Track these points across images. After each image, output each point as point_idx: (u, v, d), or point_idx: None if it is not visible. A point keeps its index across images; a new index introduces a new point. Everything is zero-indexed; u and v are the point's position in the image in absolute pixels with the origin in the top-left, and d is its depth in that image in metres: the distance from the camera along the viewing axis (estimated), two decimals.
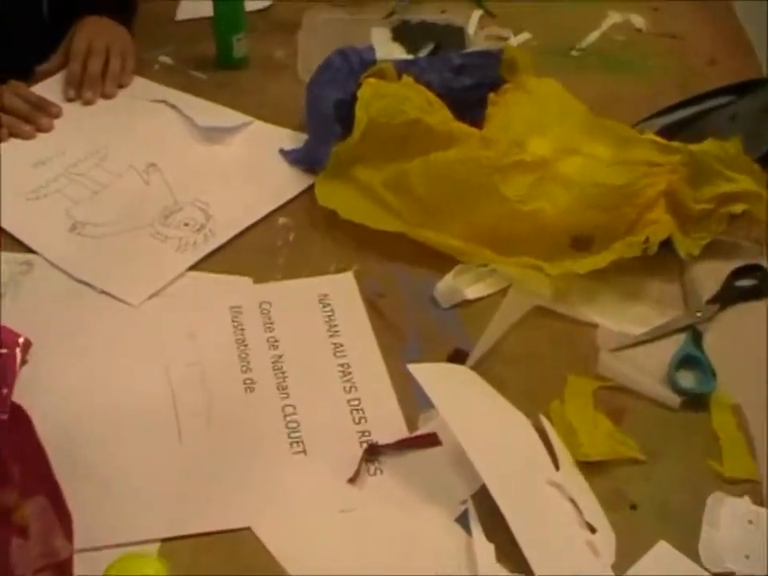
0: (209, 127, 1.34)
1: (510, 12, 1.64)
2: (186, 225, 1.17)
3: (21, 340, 0.87)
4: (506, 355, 1.05)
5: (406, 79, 1.23)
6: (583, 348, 1.06)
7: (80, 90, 1.39)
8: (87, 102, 1.39)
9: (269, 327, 1.05)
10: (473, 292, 1.11)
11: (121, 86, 1.42)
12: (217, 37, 1.47)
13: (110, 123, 1.36)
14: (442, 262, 1.13)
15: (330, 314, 1.07)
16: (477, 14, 1.62)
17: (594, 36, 1.60)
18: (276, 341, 1.04)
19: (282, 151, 1.29)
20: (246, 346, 1.03)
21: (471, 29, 1.57)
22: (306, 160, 1.27)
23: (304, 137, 1.32)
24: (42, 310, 1.08)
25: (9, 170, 1.25)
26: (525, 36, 1.58)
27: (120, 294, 1.08)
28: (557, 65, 1.48)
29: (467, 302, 1.11)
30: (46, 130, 1.33)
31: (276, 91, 1.45)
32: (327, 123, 1.22)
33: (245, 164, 1.30)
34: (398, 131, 1.18)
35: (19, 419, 0.79)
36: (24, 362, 0.89)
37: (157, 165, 1.27)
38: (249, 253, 1.16)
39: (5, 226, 1.18)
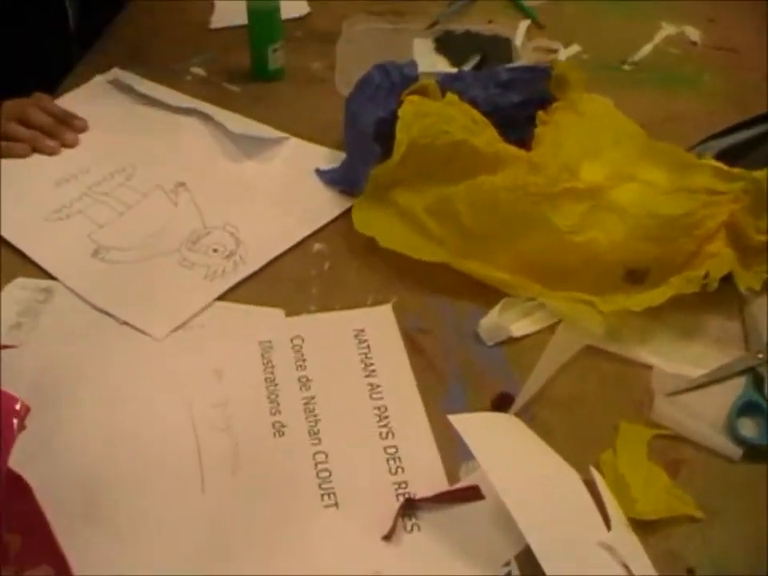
0: (242, 134, 1.28)
1: (559, 23, 1.57)
2: (214, 251, 1.10)
3: (17, 406, 0.81)
4: (554, 399, 0.97)
5: (450, 96, 1.16)
6: (637, 391, 0.99)
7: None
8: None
9: (300, 365, 0.98)
10: (519, 329, 1.04)
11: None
12: (251, 47, 1.41)
13: (139, 138, 1.30)
14: (487, 295, 1.06)
15: (366, 350, 0.99)
16: (524, 24, 1.54)
17: (646, 49, 1.53)
18: (308, 380, 0.97)
19: (317, 171, 1.23)
20: (275, 385, 0.96)
21: (519, 40, 1.50)
22: (343, 181, 1.20)
23: (342, 155, 1.25)
24: (61, 342, 1.02)
25: (30, 188, 1.20)
26: (575, 48, 1.51)
27: (143, 326, 1.02)
28: (608, 80, 1.41)
29: (513, 340, 1.03)
30: (71, 145, 1.27)
31: (312, 105, 1.39)
32: (366, 143, 1.15)
33: (278, 184, 1.24)
34: (442, 153, 1.11)
35: (18, 489, 0.72)
36: (22, 427, 0.83)
37: (186, 184, 1.21)
38: (280, 282, 1.10)
39: (24, 248, 1.12)
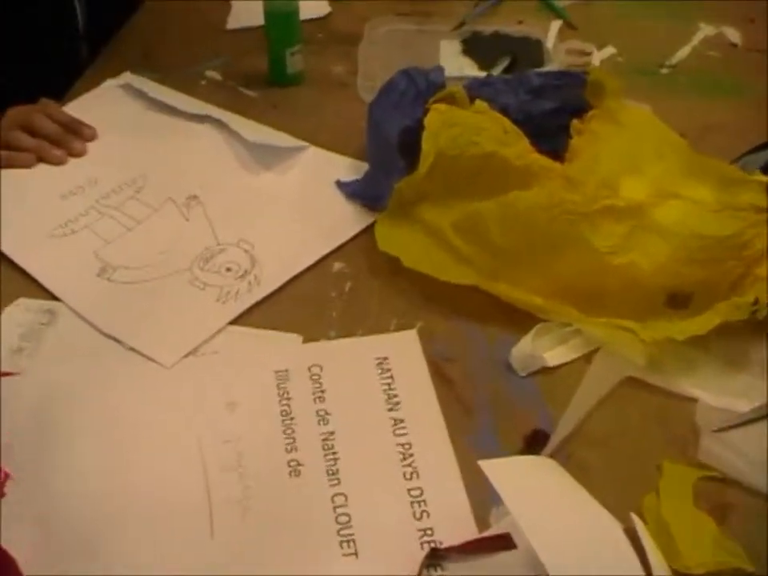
0: (258, 144, 1.21)
1: (592, 23, 1.50)
2: (228, 270, 1.03)
3: None
4: (591, 436, 0.90)
5: (480, 104, 1.09)
6: (680, 427, 0.91)
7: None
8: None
9: (319, 397, 0.91)
10: (554, 358, 0.97)
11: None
12: (269, 50, 1.34)
13: (150, 146, 1.24)
14: (519, 319, 0.99)
15: (389, 381, 0.93)
16: (556, 25, 1.47)
17: (684, 52, 1.46)
18: (327, 414, 0.90)
19: (338, 183, 1.16)
20: (291, 419, 0.90)
21: (550, 42, 1.42)
22: (365, 194, 1.13)
23: (364, 166, 1.17)
24: (64, 369, 0.95)
25: (34, 201, 1.14)
26: (609, 51, 1.44)
27: (151, 353, 0.96)
28: (644, 85, 1.34)
29: (547, 369, 0.96)
30: (79, 154, 1.20)
31: (333, 112, 1.33)
32: (390, 154, 1.08)
33: (296, 197, 1.17)
34: (471, 165, 1.04)
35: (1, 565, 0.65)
36: (1, 494, 0.77)
37: (198, 197, 1.14)
38: (298, 304, 1.03)
39: (26, 266, 1.06)
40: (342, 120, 1.30)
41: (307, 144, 1.23)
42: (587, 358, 0.97)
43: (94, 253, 1.08)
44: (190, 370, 0.95)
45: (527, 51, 1.41)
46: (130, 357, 0.97)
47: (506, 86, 1.17)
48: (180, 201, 1.14)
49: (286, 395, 0.92)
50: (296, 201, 1.16)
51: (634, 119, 1.08)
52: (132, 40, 1.49)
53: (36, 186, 1.17)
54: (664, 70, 1.41)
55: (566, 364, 0.97)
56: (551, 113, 1.16)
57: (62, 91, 1.31)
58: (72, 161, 1.22)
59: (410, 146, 1.08)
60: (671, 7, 1.56)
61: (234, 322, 1.00)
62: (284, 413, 0.91)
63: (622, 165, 1.01)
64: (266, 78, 1.38)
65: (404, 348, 0.98)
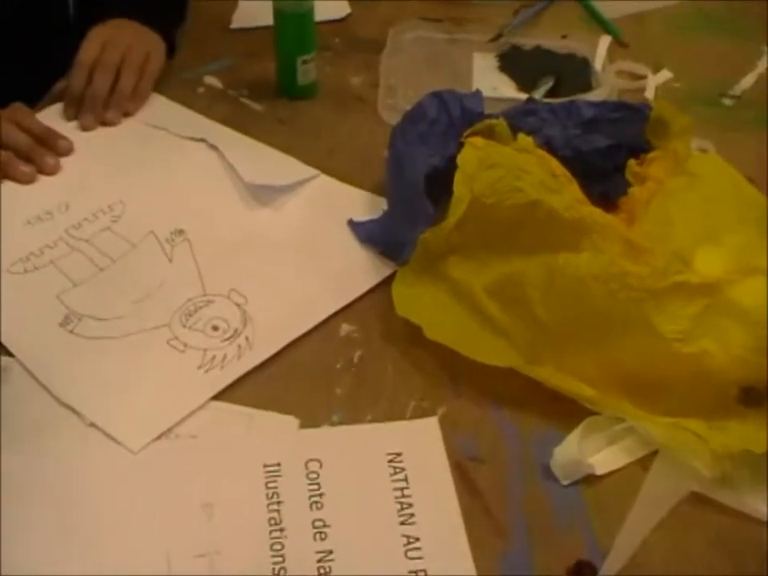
0: (259, 185, 1.01)
1: (644, 41, 1.35)
2: (214, 328, 0.86)
3: None
4: (649, 567, 0.73)
5: (524, 140, 0.92)
6: (754, 558, 0.74)
7: (79, 111, 1.09)
8: (85, 128, 1.11)
9: (316, 503, 0.75)
10: (603, 463, 0.80)
11: (126, 114, 1.11)
12: (277, 57, 1.17)
13: (133, 167, 1.06)
14: (564, 410, 0.82)
15: (402, 485, 0.76)
16: (605, 41, 1.30)
17: (749, 80, 1.29)
18: (325, 525, 0.73)
19: (351, 224, 0.97)
20: (281, 530, 0.73)
21: (599, 61, 1.25)
22: (383, 241, 0.96)
23: (382, 202, 0.98)
24: (12, 443, 0.79)
25: None
26: (665, 75, 1.27)
27: (115, 433, 0.79)
28: (705, 117, 1.16)
29: (595, 477, 0.79)
30: (50, 172, 1.03)
31: (349, 132, 1.16)
32: (415, 197, 0.91)
33: (300, 238, 1.00)
34: (511, 216, 0.87)
35: None
36: None
37: (185, 233, 0.97)
38: (295, 376, 0.87)
39: None
40: (358, 142, 1.14)
41: (316, 172, 1.04)
42: (643, 463, 0.80)
43: (57, 296, 0.91)
44: (160, 457, 0.79)
45: (573, 71, 1.25)
46: (90, 434, 0.80)
47: (552, 115, 1.01)
48: (163, 236, 0.97)
49: (276, 498, 0.75)
50: (299, 242, 0.99)
51: (706, 169, 0.91)
52: None
53: None
54: (727, 101, 1.24)
55: (618, 471, 0.80)
56: (604, 151, 1.00)
57: (51, 85, 1.13)
58: (42, 180, 1.04)
59: (438, 187, 0.91)
60: (734, 24, 1.40)
61: (217, 396, 0.81)
62: (273, 521, 0.74)
63: (696, 230, 0.84)
64: (274, 89, 1.21)
65: (422, 441, 0.81)
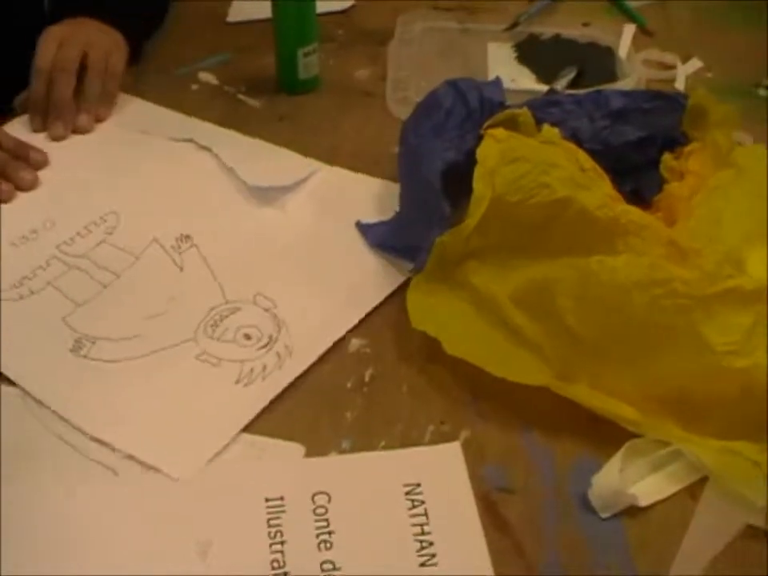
0: (259, 187, 0.94)
1: (671, 29, 1.27)
2: (246, 337, 0.77)
3: None
4: None
5: (549, 131, 0.83)
6: None
7: (47, 120, 1.01)
8: (55, 138, 1.02)
9: (325, 542, 0.66)
10: (647, 493, 0.71)
11: (98, 119, 1.03)
12: (277, 49, 1.08)
13: (119, 174, 0.98)
14: (602, 432, 0.73)
15: (422, 520, 0.68)
16: (629, 29, 1.20)
17: None
18: (335, 569, 0.65)
19: (360, 226, 0.88)
20: (285, 574, 0.63)
21: (623, 50, 1.16)
22: (394, 245, 0.86)
23: (396, 189, 0.91)
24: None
25: None
26: (695, 64, 1.18)
27: (159, 464, 0.71)
28: (740, 109, 1.04)
29: (638, 510, 0.70)
30: (28, 187, 0.95)
31: (355, 128, 1.07)
32: (430, 196, 0.82)
33: (306, 238, 0.92)
34: (537, 216, 0.78)
35: None
36: None
37: (192, 238, 0.87)
38: (300, 399, 0.77)
39: None
40: (365, 138, 1.05)
41: (319, 165, 0.99)
42: (691, 491, 0.71)
43: (62, 320, 0.82)
44: (151, 492, 0.69)
45: (596, 61, 1.16)
46: (79, 466, 0.72)
47: (577, 106, 0.92)
48: (168, 243, 0.88)
49: (279, 537, 0.66)
50: (307, 243, 0.91)
51: (753, 161, 0.82)
52: None
53: None
54: (762, 92, 1.14)
55: (663, 501, 0.71)
56: (636, 144, 0.91)
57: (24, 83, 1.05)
58: (21, 196, 0.96)
59: (456, 185, 0.82)
60: (763, 11, 1.27)
61: None
62: (275, 564, 0.65)
63: (747, 230, 0.75)
64: (273, 84, 1.12)
65: (443, 470, 0.72)
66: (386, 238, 0.88)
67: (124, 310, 0.83)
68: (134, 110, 1.07)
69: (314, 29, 1.08)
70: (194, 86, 1.13)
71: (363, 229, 0.90)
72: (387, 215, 0.91)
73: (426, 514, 0.68)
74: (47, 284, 0.86)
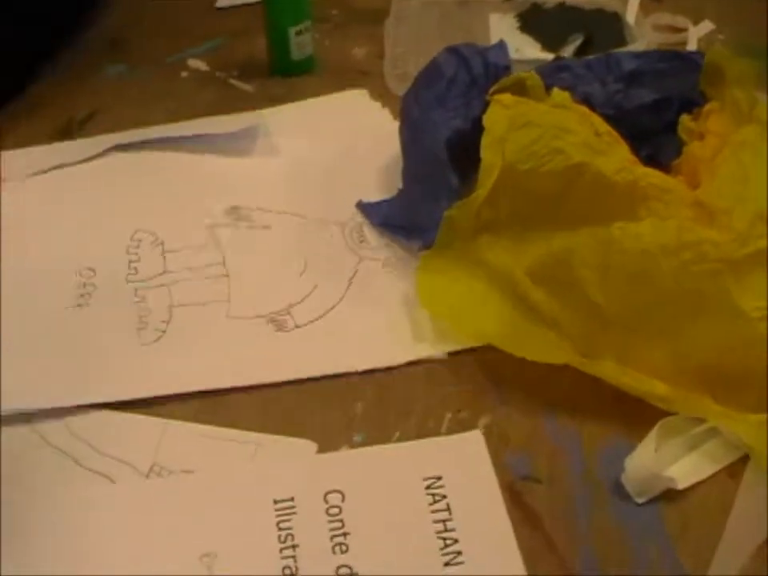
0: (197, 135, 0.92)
1: None
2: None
3: None
4: None
5: (560, 94, 0.78)
6: None
7: None
8: None
9: (340, 545, 0.61)
10: (684, 474, 0.65)
11: None
12: (267, 29, 1.04)
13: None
14: (632, 412, 0.68)
15: (445, 517, 0.63)
16: None
17: None
18: (352, 573, 0.59)
19: (361, 206, 0.83)
20: None
21: (631, 15, 1.10)
22: (401, 223, 0.81)
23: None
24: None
25: None
26: (706, 26, 1.12)
27: None
28: (756, 70, 0.99)
29: (676, 493, 0.64)
30: None
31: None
32: (436, 168, 0.77)
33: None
34: (551, 184, 0.73)
35: None
36: None
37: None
38: (308, 392, 0.72)
39: None
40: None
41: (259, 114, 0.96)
42: (731, 471, 0.66)
43: None
44: (150, 498, 0.64)
45: (603, 27, 1.11)
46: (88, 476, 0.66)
47: (588, 70, 0.87)
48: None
49: (290, 541, 0.61)
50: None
51: None
52: (98, 23, 1.19)
53: None
54: None
55: (702, 482, 0.65)
56: (651, 107, 0.86)
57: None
58: None
59: (463, 155, 0.77)
60: None
61: (215, 421, 0.66)
62: (288, 571, 0.61)
63: None
64: (266, 67, 1.08)
65: (465, 461, 0.66)
66: (391, 216, 0.83)
67: None
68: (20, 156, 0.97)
69: (307, 5, 1.03)
70: (184, 74, 1.08)
71: (366, 208, 0.85)
72: (389, 195, 0.85)
73: (448, 509, 0.63)
74: None
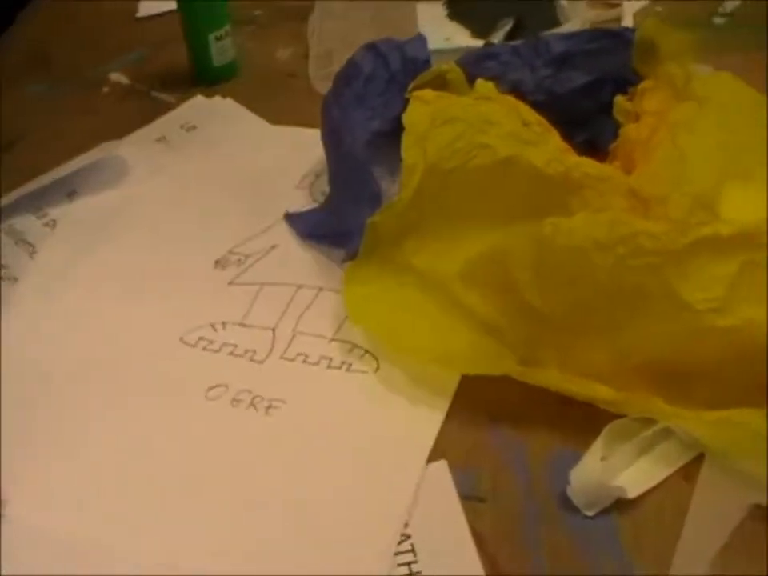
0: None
1: None
2: None
3: None
4: None
5: (484, 85, 0.75)
6: None
7: None
8: None
9: None
10: (635, 481, 0.61)
11: None
12: (186, 37, 0.99)
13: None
14: (579, 418, 0.64)
15: (410, 558, 0.58)
16: None
17: None
18: None
19: (287, 217, 0.78)
20: None
21: None
22: (326, 232, 0.75)
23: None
24: None
25: None
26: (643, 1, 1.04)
27: None
28: (696, 41, 0.95)
29: (629, 503, 0.60)
30: None
31: (279, 114, 0.98)
32: (355, 172, 0.73)
33: None
34: (479, 181, 0.69)
35: None
36: None
37: None
38: None
39: None
40: (291, 123, 0.97)
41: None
42: (686, 473, 0.62)
43: None
44: None
45: (535, 9, 1.07)
46: None
47: (515, 56, 0.84)
48: None
49: None
50: None
51: (716, 90, 0.72)
52: (18, 38, 1.15)
53: None
54: (718, 20, 1.05)
55: (655, 488, 0.61)
56: (583, 90, 0.82)
57: None
58: None
59: (389, 156, 0.73)
60: None
61: None
62: None
63: (718, 166, 0.65)
64: (189, 76, 1.04)
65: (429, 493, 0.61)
66: (318, 226, 0.78)
67: None
68: None
69: (224, 10, 0.99)
70: (105, 89, 1.04)
71: (291, 220, 0.80)
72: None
73: (413, 551, 0.58)
74: None
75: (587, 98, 0.81)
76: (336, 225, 0.77)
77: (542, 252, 0.64)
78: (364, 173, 0.72)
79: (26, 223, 0.83)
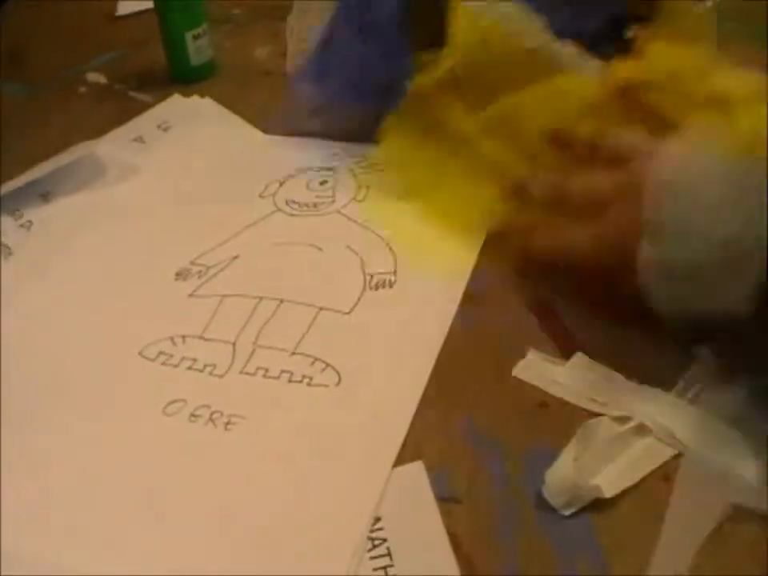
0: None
1: None
2: None
3: None
4: None
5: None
6: None
7: None
8: None
9: None
10: (612, 481, 0.60)
11: None
12: (163, 36, 1.00)
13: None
14: (555, 417, 0.64)
15: (386, 562, 0.57)
16: None
17: None
18: None
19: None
20: None
21: None
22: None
23: None
24: None
25: None
26: None
27: None
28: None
29: (605, 503, 0.59)
30: None
31: (257, 113, 0.98)
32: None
33: None
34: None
35: None
36: None
37: None
38: None
39: None
40: (269, 120, 0.96)
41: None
42: (664, 472, 0.61)
43: None
44: None
45: None
46: None
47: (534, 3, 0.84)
48: None
49: None
50: None
51: None
52: None
53: None
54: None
55: (633, 488, 0.60)
56: (603, 31, 0.85)
57: None
58: None
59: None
60: None
61: None
62: None
63: None
64: (166, 76, 1.04)
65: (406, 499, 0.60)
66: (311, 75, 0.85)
67: None
68: None
69: (201, 9, 0.99)
70: (82, 89, 1.04)
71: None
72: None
73: (389, 554, 0.57)
74: None
75: (606, 37, 0.83)
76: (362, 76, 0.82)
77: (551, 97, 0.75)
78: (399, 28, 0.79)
79: (2, 224, 0.81)
